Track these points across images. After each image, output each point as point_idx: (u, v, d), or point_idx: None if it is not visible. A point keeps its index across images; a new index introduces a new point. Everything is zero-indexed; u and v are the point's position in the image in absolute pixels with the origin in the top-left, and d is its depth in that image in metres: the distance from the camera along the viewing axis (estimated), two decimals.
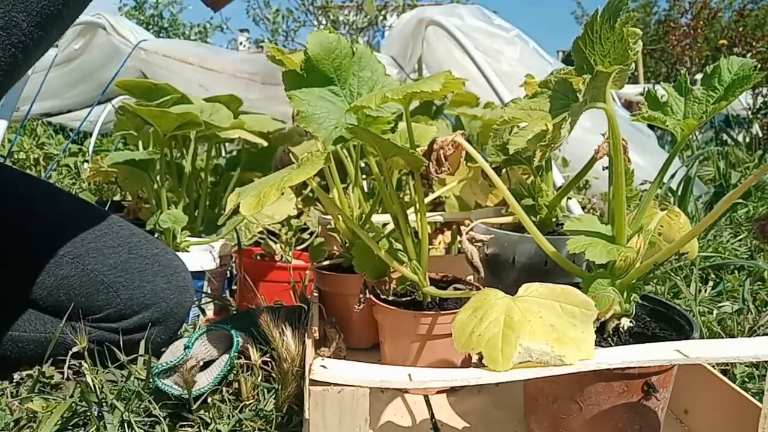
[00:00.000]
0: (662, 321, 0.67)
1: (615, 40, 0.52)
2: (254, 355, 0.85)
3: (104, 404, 0.80)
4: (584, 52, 0.56)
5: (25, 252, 0.95)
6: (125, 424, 0.78)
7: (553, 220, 0.85)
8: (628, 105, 4.93)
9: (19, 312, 0.96)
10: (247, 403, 0.82)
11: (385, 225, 0.99)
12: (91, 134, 3.21)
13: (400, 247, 0.81)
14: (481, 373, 0.51)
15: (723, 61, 0.59)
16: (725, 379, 0.65)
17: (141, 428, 0.78)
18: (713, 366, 0.72)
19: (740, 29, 5.97)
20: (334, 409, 0.50)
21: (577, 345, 0.51)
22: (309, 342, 0.77)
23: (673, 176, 2.11)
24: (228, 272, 1.42)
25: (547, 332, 0.52)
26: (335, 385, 0.49)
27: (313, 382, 0.49)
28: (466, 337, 0.54)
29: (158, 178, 1.41)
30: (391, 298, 0.83)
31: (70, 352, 0.89)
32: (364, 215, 0.92)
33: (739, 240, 1.65)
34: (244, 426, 0.79)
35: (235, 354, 0.85)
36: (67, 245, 0.96)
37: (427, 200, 0.93)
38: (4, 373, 0.96)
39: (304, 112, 0.68)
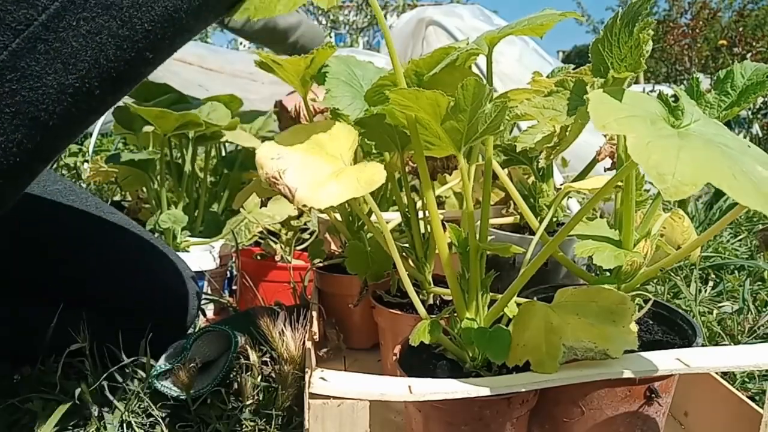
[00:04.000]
0: (665, 325, 0.67)
1: (632, 45, 0.52)
2: (254, 355, 0.85)
3: (104, 404, 0.80)
4: (602, 54, 0.55)
5: (44, 240, 0.96)
6: (125, 424, 0.78)
7: (554, 220, 0.85)
8: None
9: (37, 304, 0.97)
10: (247, 403, 0.82)
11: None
12: (91, 134, 3.21)
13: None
14: (483, 385, 0.51)
15: (736, 65, 0.58)
16: (726, 383, 0.65)
17: (141, 428, 0.78)
18: None
19: (740, 29, 5.97)
20: (333, 421, 0.50)
21: (619, 338, 0.53)
22: (309, 343, 0.77)
23: None
24: (228, 272, 1.42)
25: (587, 331, 0.53)
26: (335, 398, 0.49)
27: (313, 395, 0.49)
28: (512, 350, 0.54)
29: (158, 178, 1.41)
30: (392, 299, 0.82)
31: (68, 349, 0.89)
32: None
33: (739, 240, 1.65)
34: (244, 426, 0.79)
35: (234, 354, 0.85)
36: (87, 238, 0.97)
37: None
38: (7, 370, 0.96)
39: (333, 92, 0.72)
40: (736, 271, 1.40)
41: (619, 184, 0.60)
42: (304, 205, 0.48)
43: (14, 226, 0.94)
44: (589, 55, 0.56)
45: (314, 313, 0.87)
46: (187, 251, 1.30)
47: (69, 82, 0.56)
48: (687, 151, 0.40)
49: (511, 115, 0.57)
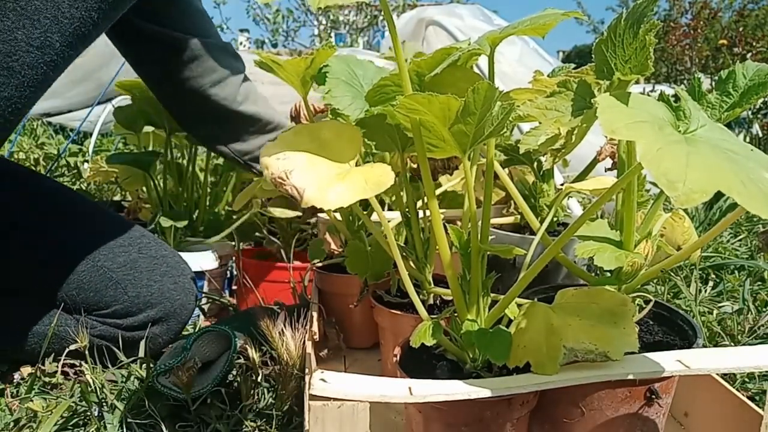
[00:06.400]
0: (665, 325, 0.67)
1: (637, 47, 0.51)
2: (254, 355, 0.85)
3: (104, 404, 0.80)
4: (605, 55, 0.55)
5: (38, 245, 0.96)
6: (125, 424, 0.78)
7: (555, 220, 0.85)
8: None
9: (34, 306, 0.97)
10: (247, 403, 0.82)
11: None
12: (91, 134, 3.21)
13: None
14: (483, 386, 0.52)
15: (738, 66, 0.58)
16: (726, 383, 0.65)
17: (141, 428, 0.78)
18: None
19: (740, 29, 5.96)
20: (334, 423, 0.50)
21: (620, 340, 0.53)
22: (309, 343, 0.77)
23: None
24: (228, 272, 1.42)
25: (588, 332, 0.53)
26: (335, 399, 0.49)
27: (313, 397, 0.49)
28: (512, 351, 0.54)
29: (158, 178, 1.41)
30: (392, 299, 0.82)
31: (68, 349, 0.89)
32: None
33: (739, 240, 1.65)
34: (243, 426, 0.79)
35: (234, 355, 0.85)
36: (79, 241, 0.97)
37: None
38: (7, 370, 0.96)
39: (333, 92, 0.72)
40: (736, 271, 1.40)
41: None
42: (312, 206, 0.48)
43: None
44: (592, 55, 0.56)
45: (314, 313, 0.87)
46: (187, 251, 1.30)
47: (35, 35, 0.69)
48: (696, 157, 0.39)
49: (514, 116, 0.57)
